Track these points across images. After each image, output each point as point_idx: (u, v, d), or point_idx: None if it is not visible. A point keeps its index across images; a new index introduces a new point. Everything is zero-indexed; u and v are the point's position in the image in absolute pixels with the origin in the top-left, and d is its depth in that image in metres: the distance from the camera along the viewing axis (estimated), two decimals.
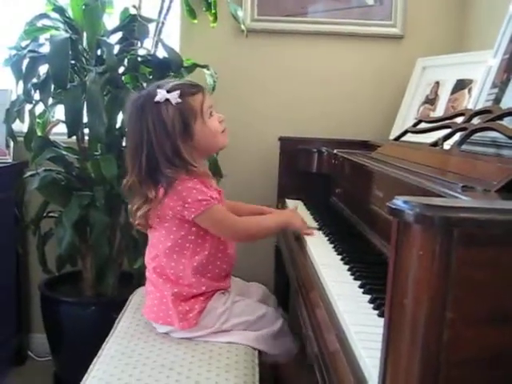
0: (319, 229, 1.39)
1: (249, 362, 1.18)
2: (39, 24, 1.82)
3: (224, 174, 1.83)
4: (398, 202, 0.55)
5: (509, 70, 1.24)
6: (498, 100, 1.22)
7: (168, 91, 1.21)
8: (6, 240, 1.99)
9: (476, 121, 1.13)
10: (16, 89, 1.78)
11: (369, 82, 2.15)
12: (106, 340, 1.26)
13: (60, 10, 1.84)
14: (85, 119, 1.73)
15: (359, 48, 2.14)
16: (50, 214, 1.91)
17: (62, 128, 1.81)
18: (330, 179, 1.83)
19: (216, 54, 2.12)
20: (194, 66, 1.94)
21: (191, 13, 2.08)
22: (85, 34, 1.83)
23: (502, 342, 0.53)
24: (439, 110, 1.78)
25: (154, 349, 1.19)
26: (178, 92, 1.20)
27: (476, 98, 1.33)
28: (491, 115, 1.06)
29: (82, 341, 1.79)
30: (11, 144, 2.04)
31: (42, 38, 1.82)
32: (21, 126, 1.96)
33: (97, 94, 1.66)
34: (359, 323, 0.77)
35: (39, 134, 1.88)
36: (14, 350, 2.10)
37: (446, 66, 1.87)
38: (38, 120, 1.89)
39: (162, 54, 1.89)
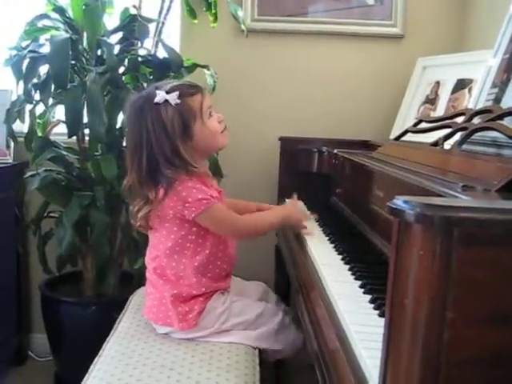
0: (318, 220, 1.37)
1: (249, 362, 1.18)
2: (39, 24, 1.82)
3: (224, 174, 1.83)
4: (399, 201, 0.55)
5: (509, 69, 1.24)
6: (498, 100, 1.22)
7: (167, 92, 1.21)
8: (6, 240, 1.99)
9: (476, 120, 1.13)
10: (16, 89, 1.78)
11: (369, 81, 2.15)
12: (107, 340, 1.26)
13: (60, 10, 1.84)
14: (85, 119, 1.73)
15: (359, 48, 2.14)
16: (51, 214, 1.91)
17: (62, 128, 1.81)
18: (330, 179, 1.83)
19: (216, 54, 2.12)
20: (195, 66, 1.94)
21: (191, 13, 2.08)
22: (85, 34, 1.83)
23: (502, 341, 0.53)
24: (439, 110, 1.78)
25: (154, 349, 1.19)
26: (176, 93, 1.21)
27: (476, 98, 1.33)
28: (491, 115, 1.06)
29: (82, 341, 1.79)
30: (11, 144, 2.04)
31: (43, 38, 1.82)
32: (21, 127, 1.96)
33: (97, 94, 1.66)
34: (360, 323, 0.77)
35: (39, 134, 1.88)
36: (15, 350, 2.10)
37: (446, 66, 1.87)
38: (38, 120, 1.89)
39: (162, 54, 1.89)
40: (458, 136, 1.13)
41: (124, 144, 1.72)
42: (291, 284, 1.35)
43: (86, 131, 1.79)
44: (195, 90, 1.25)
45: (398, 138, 1.50)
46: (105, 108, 1.69)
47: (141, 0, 1.96)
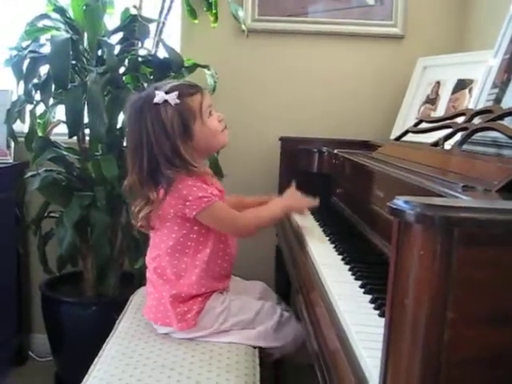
0: (318, 221, 1.37)
1: (249, 362, 1.19)
2: (40, 24, 1.83)
3: (225, 174, 1.83)
4: (399, 201, 0.55)
5: (509, 70, 1.24)
6: (498, 100, 1.22)
7: (166, 92, 1.21)
8: (6, 240, 1.99)
9: (477, 121, 1.13)
10: (17, 89, 1.79)
11: (369, 81, 2.15)
12: (107, 340, 1.26)
13: (61, 11, 1.84)
14: (85, 119, 1.73)
15: (360, 48, 2.14)
16: (51, 215, 1.91)
17: (62, 128, 1.81)
18: (330, 179, 1.83)
19: (217, 54, 2.12)
20: (195, 66, 1.94)
21: (192, 13, 2.08)
22: (85, 35, 1.83)
23: (502, 341, 0.53)
24: (440, 110, 1.78)
25: (154, 349, 1.19)
26: (176, 93, 1.21)
27: (477, 98, 1.33)
28: (492, 115, 1.05)
29: (82, 341, 1.79)
30: (12, 144, 2.04)
31: (43, 38, 1.82)
32: (21, 127, 1.96)
33: (97, 94, 1.66)
34: (360, 323, 0.77)
35: (40, 134, 1.89)
36: (15, 350, 2.10)
37: (446, 66, 1.87)
38: (38, 120, 1.89)
39: (162, 54, 1.90)
40: (458, 136, 1.13)
41: (124, 144, 1.72)
42: (291, 284, 1.36)
43: (87, 131, 1.79)
44: (194, 90, 1.25)
45: (398, 138, 1.50)
46: (105, 108, 1.70)
47: (141, 0, 1.96)
